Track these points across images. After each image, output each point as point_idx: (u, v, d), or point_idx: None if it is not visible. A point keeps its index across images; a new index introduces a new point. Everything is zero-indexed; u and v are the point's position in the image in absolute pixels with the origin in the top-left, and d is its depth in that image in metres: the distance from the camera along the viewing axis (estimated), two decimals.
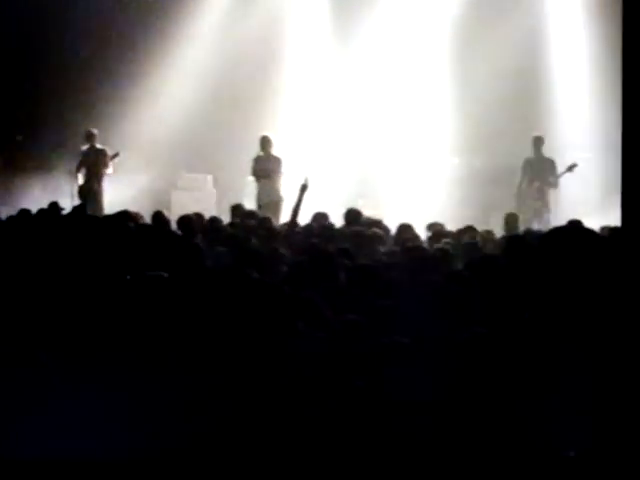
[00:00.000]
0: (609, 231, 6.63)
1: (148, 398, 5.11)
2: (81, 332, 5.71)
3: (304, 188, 10.19)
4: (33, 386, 5.14)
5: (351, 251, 8.15)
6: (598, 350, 3.38)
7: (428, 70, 17.57)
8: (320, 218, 10.59)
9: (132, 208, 10.81)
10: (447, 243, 9.01)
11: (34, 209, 10.21)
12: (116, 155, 15.61)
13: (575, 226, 5.16)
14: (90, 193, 15.17)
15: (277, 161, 15.09)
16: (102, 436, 4.81)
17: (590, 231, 3.66)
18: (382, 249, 8.93)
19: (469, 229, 10.04)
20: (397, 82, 17.61)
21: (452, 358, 4.55)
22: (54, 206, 10.53)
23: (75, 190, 15.43)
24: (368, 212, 11.43)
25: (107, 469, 4.65)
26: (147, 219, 10.40)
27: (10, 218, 9.75)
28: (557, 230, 3.73)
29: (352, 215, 10.65)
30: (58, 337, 5.70)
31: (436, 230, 10.23)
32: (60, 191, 15.22)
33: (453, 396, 3.98)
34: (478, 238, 9.72)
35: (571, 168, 14.91)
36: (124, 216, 9.66)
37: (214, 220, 10.59)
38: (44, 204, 10.66)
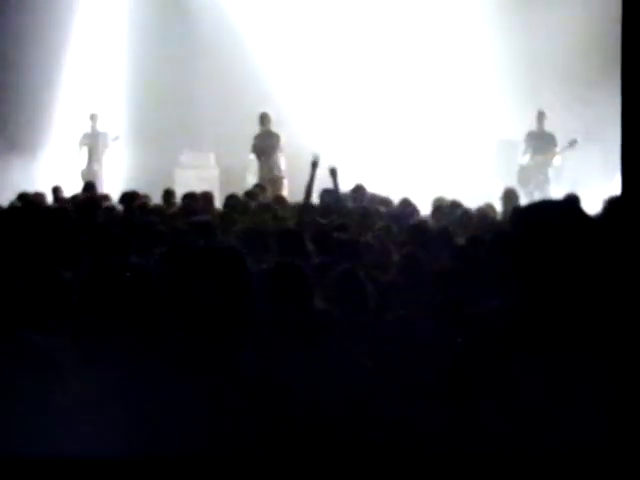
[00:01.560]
0: (604, 204, 6.64)
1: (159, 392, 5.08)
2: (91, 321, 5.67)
3: (315, 165, 10.19)
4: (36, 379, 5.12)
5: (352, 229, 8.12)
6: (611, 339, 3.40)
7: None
8: (328, 195, 10.59)
9: (135, 188, 10.86)
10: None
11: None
12: (116, 138, 15.64)
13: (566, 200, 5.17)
14: (91, 175, 15.22)
15: (276, 137, 15.12)
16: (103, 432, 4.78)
17: (576, 207, 3.67)
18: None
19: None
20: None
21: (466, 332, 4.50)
22: (56, 190, 10.55)
23: (78, 172, 15.50)
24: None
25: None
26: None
27: (13, 204, 9.71)
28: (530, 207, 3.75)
29: (358, 192, 10.72)
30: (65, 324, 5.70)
31: (438, 205, 10.29)
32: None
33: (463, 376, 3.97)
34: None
35: (572, 144, 14.93)
36: (130, 197, 9.68)
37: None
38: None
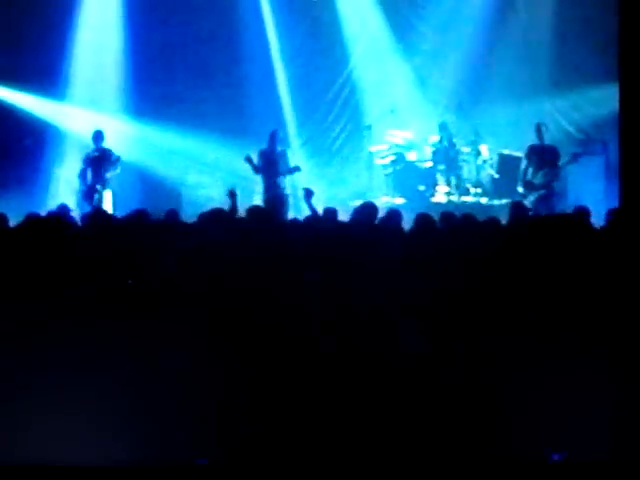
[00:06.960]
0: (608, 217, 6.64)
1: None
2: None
3: (309, 195, 10.11)
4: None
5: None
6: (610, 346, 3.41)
7: None
8: (329, 214, 10.40)
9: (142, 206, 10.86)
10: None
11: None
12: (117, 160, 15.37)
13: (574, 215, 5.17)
14: (96, 194, 15.09)
15: (281, 156, 14.98)
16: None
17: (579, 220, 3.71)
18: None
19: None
20: None
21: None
22: (64, 208, 10.52)
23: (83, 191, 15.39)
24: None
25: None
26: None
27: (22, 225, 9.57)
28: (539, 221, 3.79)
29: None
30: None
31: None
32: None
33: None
34: None
35: (575, 157, 14.82)
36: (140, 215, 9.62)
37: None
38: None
